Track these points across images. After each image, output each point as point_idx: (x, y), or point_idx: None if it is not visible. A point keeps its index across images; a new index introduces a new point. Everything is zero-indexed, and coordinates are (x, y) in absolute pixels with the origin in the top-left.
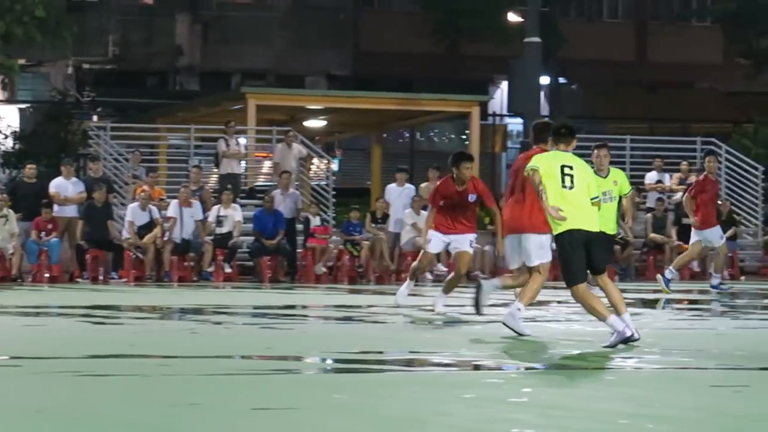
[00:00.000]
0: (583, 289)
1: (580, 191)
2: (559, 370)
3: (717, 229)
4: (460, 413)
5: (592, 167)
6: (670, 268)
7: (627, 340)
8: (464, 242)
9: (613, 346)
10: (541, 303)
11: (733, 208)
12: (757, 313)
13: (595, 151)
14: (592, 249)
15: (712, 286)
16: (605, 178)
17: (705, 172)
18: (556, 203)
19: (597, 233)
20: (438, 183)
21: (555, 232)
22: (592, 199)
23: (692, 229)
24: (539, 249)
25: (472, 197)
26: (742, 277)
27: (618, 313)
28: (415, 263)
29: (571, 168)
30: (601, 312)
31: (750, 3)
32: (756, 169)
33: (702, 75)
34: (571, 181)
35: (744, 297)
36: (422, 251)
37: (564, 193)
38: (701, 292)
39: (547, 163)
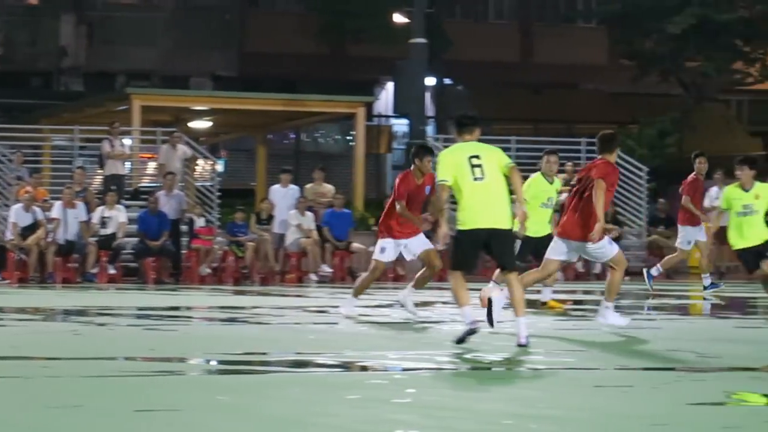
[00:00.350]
0: (457, 276)
1: (492, 180)
2: (443, 371)
3: (699, 229)
4: (344, 414)
5: (543, 174)
6: (704, 275)
7: (471, 333)
8: (419, 243)
9: (460, 340)
10: (425, 304)
11: (618, 209)
12: (641, 314)
13: (545, 157)
14: (496, 247)
15: (648, 275)
16: (551, 184)
17: (695, 173)
18: (470, 198)
19: (502, 230)
20: (400, 179)
21: (458, 228)
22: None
23: (681, 228)
24: (603, 248)
25: (428, 189)
26: (627, 278)
27: (516, 315)
28: (366, 275)
29: (478, 157)
30: (462, 300)
31: (635, 5)
32: (640, 170)
33: (587, 76)
34: (482, 172)
35: (628, 297)
36: (374, 262)
37: (476, 186)
38: (586, 292)
39: (454, 157)
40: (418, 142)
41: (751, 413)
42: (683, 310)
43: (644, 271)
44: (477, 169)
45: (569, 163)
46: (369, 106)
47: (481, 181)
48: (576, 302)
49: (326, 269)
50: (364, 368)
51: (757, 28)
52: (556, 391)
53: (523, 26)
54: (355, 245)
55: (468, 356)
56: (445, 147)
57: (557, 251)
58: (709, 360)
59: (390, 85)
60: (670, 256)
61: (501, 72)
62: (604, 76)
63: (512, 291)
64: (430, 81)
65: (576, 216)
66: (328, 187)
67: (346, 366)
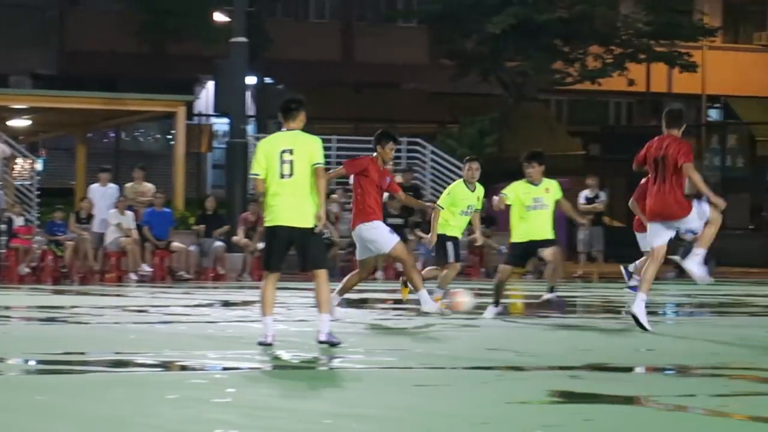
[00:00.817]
0: (269, 280)
1: (299, 178)
2: (263, 371)
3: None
4: (164, 414)
5: (464, 182)
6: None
7: (262, 344)
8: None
9: (260, 344)
10: (245, 303)
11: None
12: (461, 313)
13: (467, 165)
14: (299, 245)
15: (630, 287)
16: (473, 192)
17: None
18: (275, 196)
19: (305, 229)
20: (369, 162)
21: (265, 224)
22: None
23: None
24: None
25: (388, 180)
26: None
27: (319, 311)
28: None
29: (291, 152)
30: (266, 308)
31: (455, 4)
32: (461, 169)
33: (408, 75)
34: (290, 169)
35: (449, 297)
36: (398, 245)
37: (282, 184)
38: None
39: (268, 150)
40: (238, 141)
41: (570, 412)
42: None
43: (622, 268)
44: (286, 166)
45: (392, 162)
46: (189, 105)
47: (287, 179)
48: (396, 301)
49: (146, 268)
50: (184, 368)
51: (576, 29)
52: (377, 390)
53: (344, 25)
54: (176, 244)
55: (289, 356)
56: None
57: (659, 236)
58: (529, 359)
59: (211, 84)
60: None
61: (322, 71)
62: (425, 76)
63: (318, 289)
64: (251, 80)
65: (665, 197)
66: (148, 186)
67: (165, 365)
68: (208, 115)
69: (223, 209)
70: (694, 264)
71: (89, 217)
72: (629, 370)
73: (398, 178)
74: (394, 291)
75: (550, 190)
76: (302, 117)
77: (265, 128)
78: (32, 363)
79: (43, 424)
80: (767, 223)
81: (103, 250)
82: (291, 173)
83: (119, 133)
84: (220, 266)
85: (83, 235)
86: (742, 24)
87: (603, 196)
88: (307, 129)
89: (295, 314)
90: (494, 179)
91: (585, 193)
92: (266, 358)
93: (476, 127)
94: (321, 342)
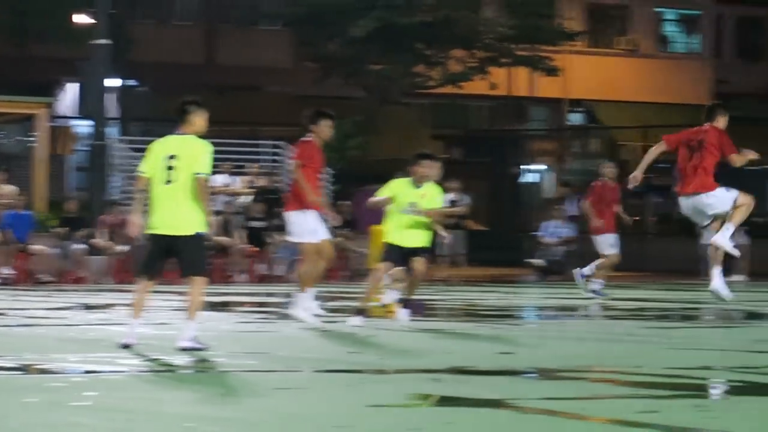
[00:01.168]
0: (142, 284)
1: (180, 185)
2: (125, 374)
3: (610, 237)
4: (23, 418)
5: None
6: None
7: (125, 346)
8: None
9: (123, 345)
10: (106, 306)
11: None
12: (322, 317)
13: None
14: (178, 253)
15: (593, 291)
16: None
17: (604, 178)
18: (156, 202)
19: (184, 237)
20: (302, 146)
21: (146, 230)
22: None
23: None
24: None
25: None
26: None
27: (189, 318)
28: (307, 268)
29: (175, 158)
30: (135, 312)
31: (319, 7)
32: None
33: (272, 78)
34: (173, 175)
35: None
36: (311, 244)
37: (164, 190)
38: (268, 294)
39: (156, 152)
40: (100, 144)
41: (432, 414)
42: (364, 312)
43: (593, 294)
44: (169, 172)
45: (254, 166)
46: (51, 107)
47: (169, 185)
48: (260, 304)
49: (7, 271)
50: (43, 371)
51: (438, 33)
52: (237, 393)
53: (207, 28)
54: (36, 247)
55: (151, 358)
56: (131, 149)
57: (699, 214)
58: (391, 362)
59: (73, 86)
60: (602, 260)
61: (185, 73)
62: (288, 79)
63: (191, 293)
64: (115, 82)
65: (696, 172)
66: (10, 189)
67: (25, 369)
68: (71, 117)
69: (85, 212)
70: (724, 238)
71: None
72: (491, 373)
73: (260, 182)
74: (254, 294)
75: (426, 196)
76: (195, 120)
77: (128, 131)
78: None
79: None
80: (629, 226)
81: None
82: (172, 180)
83: None
84: (81, 269)
85: None
86: (604, 29)
87: (465, 199)
88: (170, 131)
89: (158, 317)
90: (359, 182)
91: (447, 197)
92: (128, 361)
93: (339, 130)
94: (183, 349)
